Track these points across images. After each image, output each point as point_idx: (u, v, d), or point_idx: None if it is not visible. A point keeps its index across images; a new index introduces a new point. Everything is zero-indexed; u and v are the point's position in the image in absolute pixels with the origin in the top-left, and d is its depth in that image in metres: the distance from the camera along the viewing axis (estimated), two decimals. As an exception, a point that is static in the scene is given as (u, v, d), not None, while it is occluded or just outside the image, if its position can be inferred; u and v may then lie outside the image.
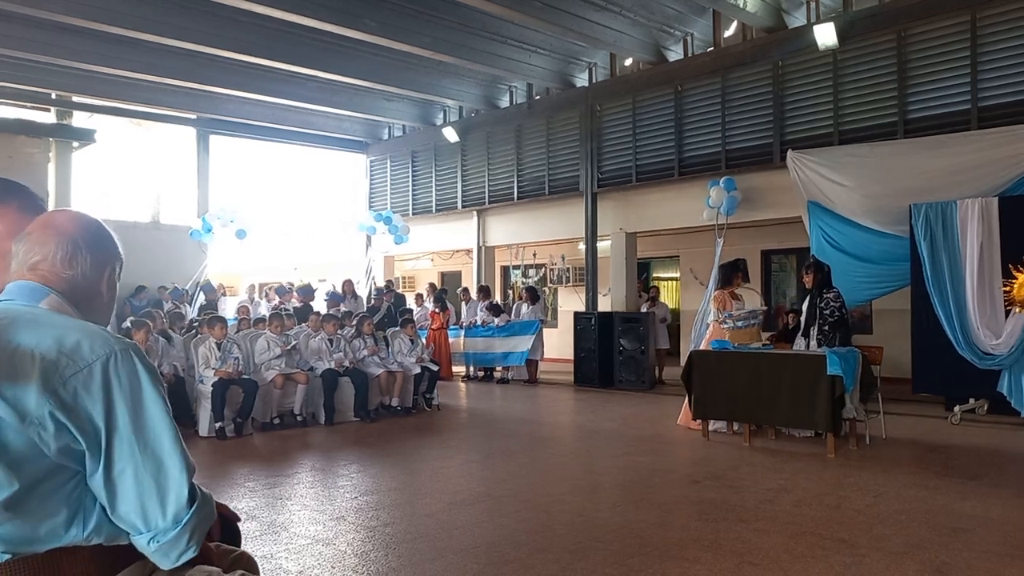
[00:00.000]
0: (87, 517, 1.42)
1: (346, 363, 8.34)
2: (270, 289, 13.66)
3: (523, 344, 12.21)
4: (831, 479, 5.52)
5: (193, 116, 14.76)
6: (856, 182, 9.10)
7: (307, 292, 12.31)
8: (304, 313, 9.98)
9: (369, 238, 15.55)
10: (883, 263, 8.89)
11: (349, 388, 8.30)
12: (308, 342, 8.40)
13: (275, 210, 21.12)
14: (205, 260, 13.41)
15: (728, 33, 11.90)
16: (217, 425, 7.31)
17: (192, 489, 1.48)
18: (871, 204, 8.98)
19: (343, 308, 11.17)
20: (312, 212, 21.23)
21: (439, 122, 15.80)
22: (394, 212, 15.35)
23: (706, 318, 7.99)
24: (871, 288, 9.23)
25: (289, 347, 8.11)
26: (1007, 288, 7.63)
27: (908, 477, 5.56)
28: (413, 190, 16.28)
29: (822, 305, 7.03)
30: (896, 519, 4.42)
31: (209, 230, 13.08)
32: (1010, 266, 7.60)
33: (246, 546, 4.00)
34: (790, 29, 10.71)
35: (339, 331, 8.71)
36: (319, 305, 11.87)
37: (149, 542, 1.43)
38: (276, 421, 7.87)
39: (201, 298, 12.62)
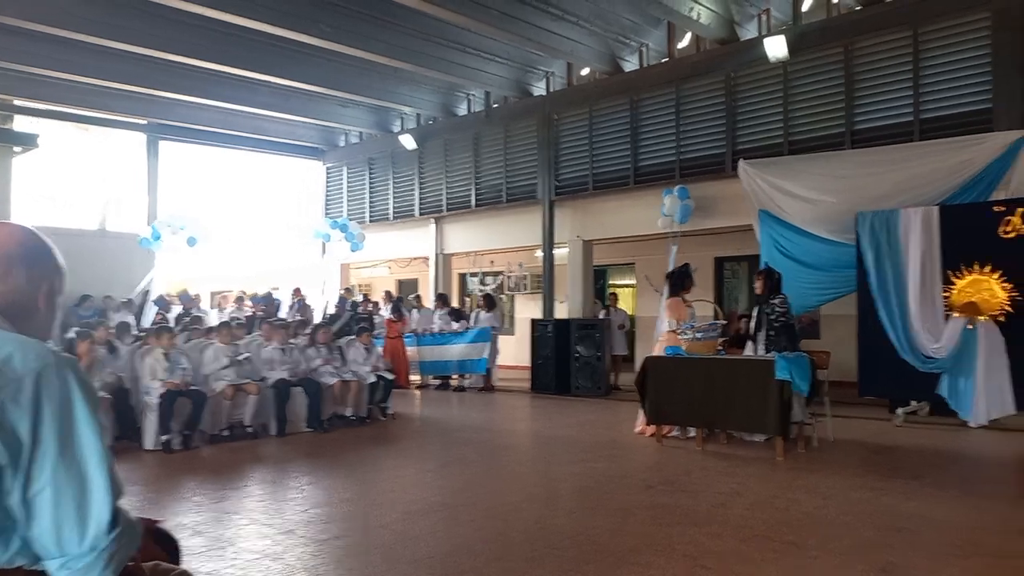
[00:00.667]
0: (9, 538, 1.35)
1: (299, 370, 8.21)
2: (223, 298, 13.38)
3: (479, 352, 12.17)
4: (781, 482, 5.61)
5: (143, 121, 14.43)
6: (805, 191, 9.33)
7: (269, 301, 12.11)
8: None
9: (324, 245, 15.36)
10: (831, 270, 9.11)
11: (302, 398, 8.16)
12: (259, 352, 8.23)
13: (228, 217, 20.70)
14: (153, 268, 13.07)
15: (682, 44, 12.12)
16: (163, 438, 7.10)
17: (115, 514, 1.40)
18: (819, 213, 9.21)
19: (295, 316, 11.00)
20: (267, 219, 20.88)
21: (396, 129, 15.72)
22: (350, 219, 15.20)
23: (660, 325, 8.05)
24: (820, 294, 9.45)
25: (242, 357, 7.94)
26: (947, 294, 7.94)
27: (855, 479, 5.69)
28: (370, 197, 16.16)
29: (768, 311, 7.18)
30: (843, 520, 4.51)
31: (158, 238, 12.77)
32: (949, 272, 7.93)
33: (190, 563, 3.87)
34: (742, 41, 10.95)
35: (292, 340, 8.57)
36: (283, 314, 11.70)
37: (60, 568, 1.35)
38: (225, 433, 7.68)
39: (178, 308, 12.29)
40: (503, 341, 13.24)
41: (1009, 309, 7.53)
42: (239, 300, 13.01)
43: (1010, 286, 7.55)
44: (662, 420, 7.22)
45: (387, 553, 4.02)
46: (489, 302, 12.82)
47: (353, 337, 9.50)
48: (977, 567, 3.66)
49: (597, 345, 11.52)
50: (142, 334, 8.70)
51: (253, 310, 11.65)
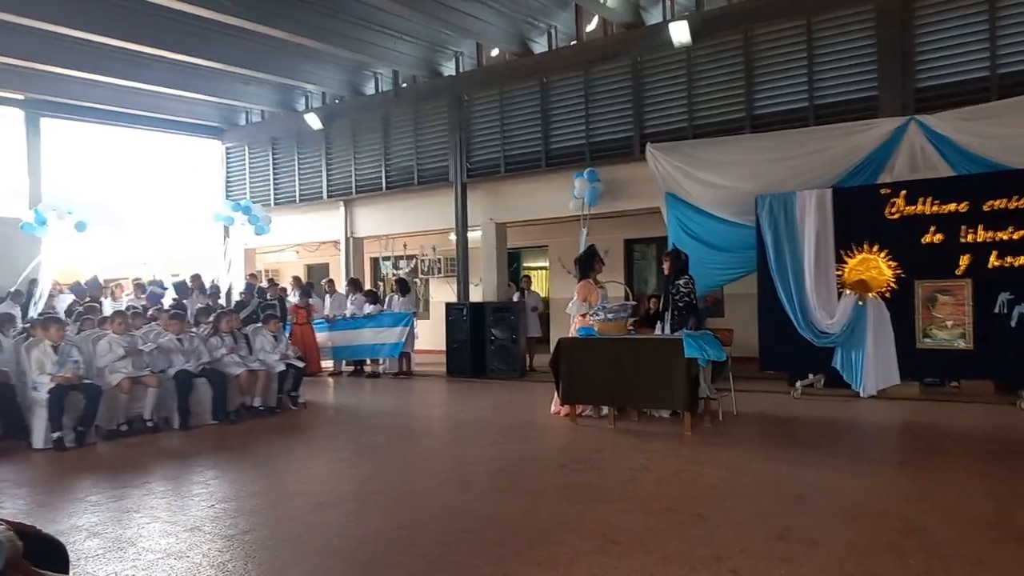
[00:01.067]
0: None
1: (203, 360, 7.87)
2: (116, 286, 12.63)
3: (395, 336, 12.02)
4: (688, 456, 5.81)
5: (20, 96, 13.37)
6: (708, 175, 9.62)
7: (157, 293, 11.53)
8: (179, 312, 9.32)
9: (227, 229, 14.74)
10: (734, 251, 9.45)
11: (206, 389, 7.83)
12: (158, 342, 7.83)
13: (122, 200, 19.53)
14: (39, 255, 12.20)
15: (590, 28, 12.22)
16: (55, 435, 6.67)
17: None
18: (722, 195, 9.52)
19: (196, 304, 10.53)
20: (164, 202, 19.83)
21: (301, 108, 15.21)
22: (254, 202, 14.64)
23: (569, 308, 8.15)
24: (724, 274, 9.80)
25: (146, 348, 7.53)
26: (839, 272, 8.38)
27: (756, 450, 5.96)
28: (274, 179, 15.60)
29: (673, 292, 7.40)
30: (746, 491, 4.72)
31: (43, 222, 11.91)
32: (841, 252, 8.38)
33: (86, 567, 3.66)
34: (647, 26, 11.13)
35: (193, 328, 8.19)
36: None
37: None
38: (124, 428, 7.29)
39: (68, 298, 11.46)
40: (419, 325, 13.12)
41: (894, 286, 8.04)
42: (138, 287, 12.33)
43: (895, 264, 8.05)
44: (576, 400, 7.34)
45: (297, 545, 3.92)
46: (403, 286, 12.66)
47: (260, 325, 9.18)
48: (865, 529, 3.90)
49: (512, 328, 11.59)
50: (27, 325, 8.12)
51: (145, 303, 11.03)
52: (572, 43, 12.08)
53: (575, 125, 11.69)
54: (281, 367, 8.60)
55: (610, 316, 7.34)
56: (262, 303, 11.80)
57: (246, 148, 16.13)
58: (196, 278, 12.53)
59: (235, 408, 8.12)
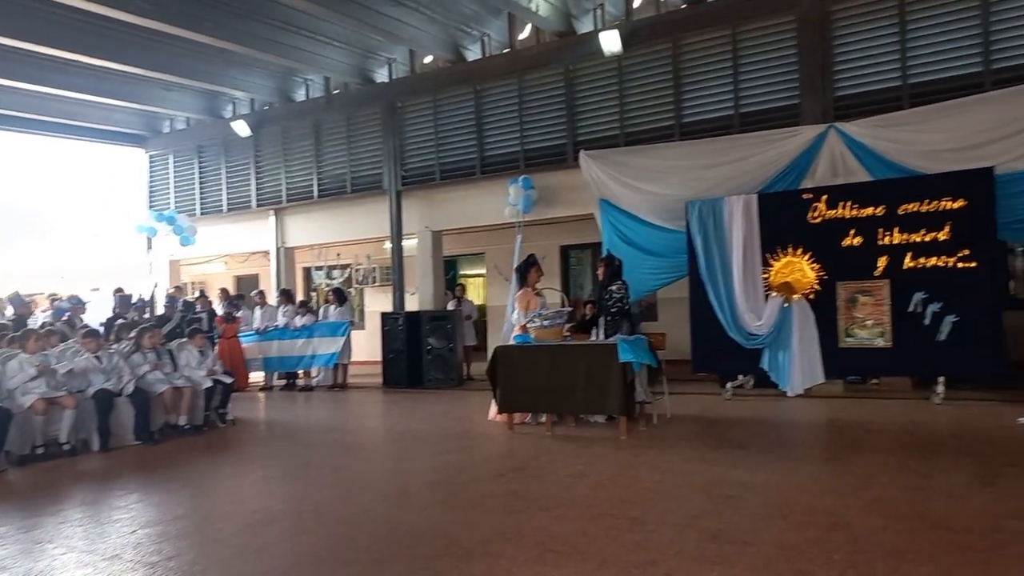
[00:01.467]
0: None
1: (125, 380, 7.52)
2: (32, 302, 11.98)
3: (332, 346, 11.79)
4: (624, 460, 5.87)
5: (-79, 102, 12.60)
6: (640, 181, 9.79)
7: (77, 304, 10.98)
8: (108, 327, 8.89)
9: (150, 240, 14.19)
10: (667, 256, 9.63)
11: (128, 409, 7.49)
12: (74, 361, 7.45)
13: (36, 211, 18.62)
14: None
15: (523, 36, 12.30)
16: (-40, 463, 6.26)
17: None
18: (653, 201, 9.69)
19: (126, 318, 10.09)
20: (83, 213, 19.00)
21: (228, 115, 14.80)
22: (179, 212, 14.15)
23: (512, 317, 8.16)
24: (657, 279, 9.97)
25: (62, 369, 7.14)
26: (766, 275, 8.64)
27: (690, 452, 6.06)
28: (201, 188, 15.13)
29: (606, 297, 7.48)
30: (679, 492, 4.78)
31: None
32: (767, 255, 8.63)
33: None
34: (579, 35, 11.28)
35: (114, 346, 7.83)
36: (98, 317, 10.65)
37: None
38: (39, 451, 6.90)
39: (8, 311, 10.76)
40: (354, 336, 12.89)
41: (818, 287, 8.33)
42: (53, 301, 11.73)
43: (818, 267, 8.34)
44: (513, 408, 7.33)
45: (225, 570, 3.77)
46: (339, 296, 12.43)
47: (185, 340, 8.85)
48: (793, 526, 4.00)
49: (449, 336, 11.52)
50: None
51: (52, 318, 10.49)
52: (505, 51, 12.13)
53: (509, 132, 11.73)
54: (208, 383, 8.30)
55: (546, 323, 7.37)
56: (186, 316, 11.39)
57: (170, 156, 15.59)
58: (119, 291, 12.01)
59: (159, 427, 7.79)
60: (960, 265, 7.65)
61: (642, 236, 9.85)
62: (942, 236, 7.73)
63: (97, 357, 7.56)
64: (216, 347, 11.35)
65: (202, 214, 14.96)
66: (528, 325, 7.51)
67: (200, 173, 15.15)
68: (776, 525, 4.04)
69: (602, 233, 10.22)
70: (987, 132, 7.92)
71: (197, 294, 13.40)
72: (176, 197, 15.40)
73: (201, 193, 15.11)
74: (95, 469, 6.66)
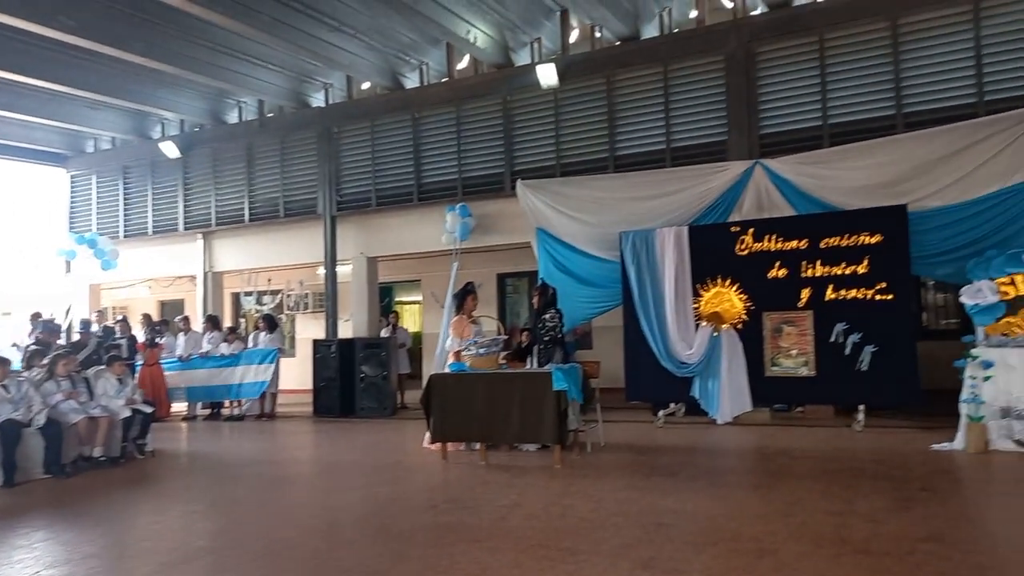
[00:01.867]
0: None
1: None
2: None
3: (260, 374, 11.43)
4: (558, 489, 5.85)
5: None
6: (575, 211, 9.95)
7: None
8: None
9: (68, 264, 13.55)
10: (601, 285, 9.78)
11: (37, 440, 7.06)
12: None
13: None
14: None
15: (461, 66, 12.40)
16: None
17: None
18: (589, 232, 9.86)
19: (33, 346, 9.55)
20: (2, 235, 17.99)
21: (157, 136, 14.37)
22: (100, 234, 13.59)
23: (447, 344, 8.11)
24: (592, 307, 10.10)
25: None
26: (696, 305, 8.84)
27: (622, 480, 6.10)
28: (125, 210, 14.58)
29: (540, 325, 7.52)
30: (612, 521, 4.79)
31: None
32: (698, 286, 8.86)
33: None
34: (517, 67, 11.44)
35: (24, 373, 7.40)
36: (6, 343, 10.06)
37: None
38: (-65, 488, 6.43)
39: None
40: (284, 364, 12.55)
41: (745, 318, 8.57)
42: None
43: (745, 297, 8.60)
44: (447, 437, 7.23)
45: (137, 613, 3.56)
46: (270, 323, 12.09)
47: (103, 367, 8.44)
48: (722, 553, 4.05)
49: (383, 364, 11.35)
50: None
51: None
52: (444, 80, 12.20)
53: (447, 160, 11.75)
54: (126, 413, 7.92)
55: (481, 351, 7.34)
56: (104, 343, 10.88)
57: (94, 177, 15.01)
58: (36, 317, 11.41)
59: (72, 460, 7.37)
60: (878, 297, 8.00)
61: (578, 265, 9.98)
62: (861, 269, 8.09)
63: (3, 386, 7.12)
64: (137, 375, 10.89)
65: (126, 236, 14.41)
66: (463, 353, 7.47)
67: (125, 194, 14.60)
68: (706, 553, 4.08)
69: (538, 262, 10.30)
70: (899, 171, 8.38)
71: (119, 319, 12.85)
72: (99, 219, 14.79)
73: (125, 215, 14.56)
74: (-2, 506, 6.24)
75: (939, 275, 9.02)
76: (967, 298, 7.32)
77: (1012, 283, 7.10)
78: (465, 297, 8.02)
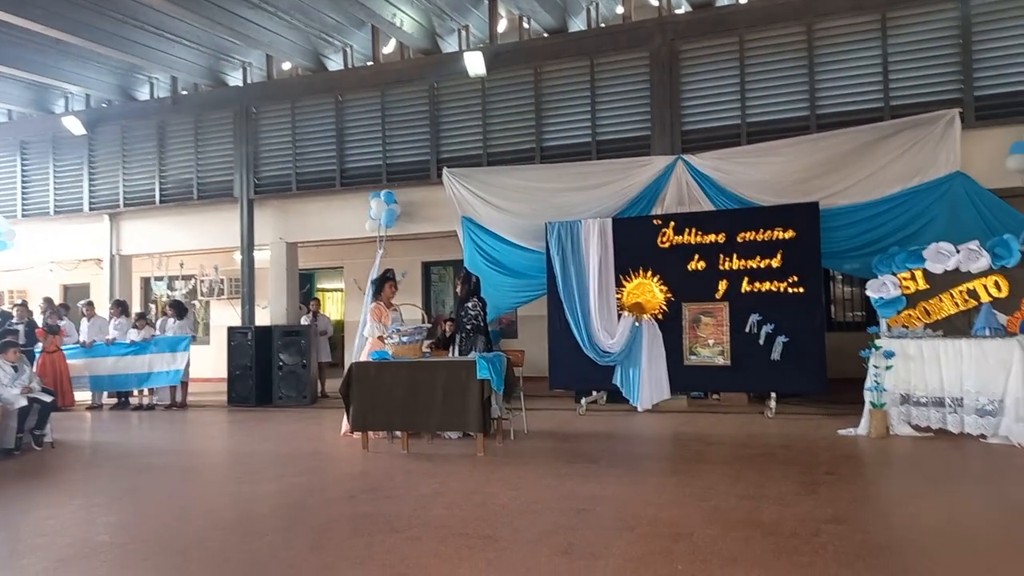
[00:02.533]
0: None
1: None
2: None
3: (173, 362, 10.94)
4: (480, 477, 5.83)
5: None
6: (502, 201, 9.95)
7: None
8: None
9: (-41, 244, 12.61)
10: (526, 275, 9.81)
11: (-81, 432, 6.55)
12: None
13: None
14: None
15: (387, 50, 12.16)
16: None
17: None
18: (514, 222, 9.87)
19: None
20: None
21: (59, 110, 13.52)
22: (-5, 214, 12.71)
23: (364, 331, 7.96)
24: (517, 297, 10.13)
25: None
26: (619, 295, 8.98)
27: (544, 467, 6.13)
28: (23, 187, 13.67)
29: (463, 314, 7.49)
30: (533, 508, 4.81)
31: None
32: (621, 277, 8.99)
33: None
34: (444, 54, 11.31)
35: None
36: None
37: None
38: None
39: None
40: (198, 352, 12.07)
41: (666, 308, 8.76)
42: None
43: (666, 288, 8.79)
44: (368, 426, 7.10)
45: (28, 614, 3.34)
46: (179, 309, 11.59)
47: (-4, 354, 7.88)
48: (640, 538, 4.12)
49: (302, 352, 11.06)
50: None
51: None
52: (369, 64, 11.93)
53: (372, 145, 11.51)
54: (22, 402, 7.44)
55: (404, 339, 7.24)
56: (2, 329, 10.18)
57: (-13, 150, 14.00)
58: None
59: (-41, 453, 6.88)
60: (790, 290, 8.32)
61: (503, 255, 9.98)
62: (775, 263, 8.39)
63: None
64: (36, 362, 10.26)
65: (24, 216, 13.52)
66: (386, 341, 7.35)
67: (23, 171, 13.69)
68: (624, 537, 4.14)
69: (464, 251, 10.24)
70: (811, 169, 8.76)
71: (17, 303, 12.05)
72: (-8, 196, 13.83)
73: (23, 193, 13.65)
74: None
75: (847, 269, 9.48)
76: (872, 292, 7.71)
77: (912, 278, 7.51)
78: (384, 284, 7.90)
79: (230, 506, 5.40)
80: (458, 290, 7.88)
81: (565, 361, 9.08)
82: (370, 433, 7.21)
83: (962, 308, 7.26)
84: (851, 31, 9.32)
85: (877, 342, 7.24)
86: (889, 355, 7.07)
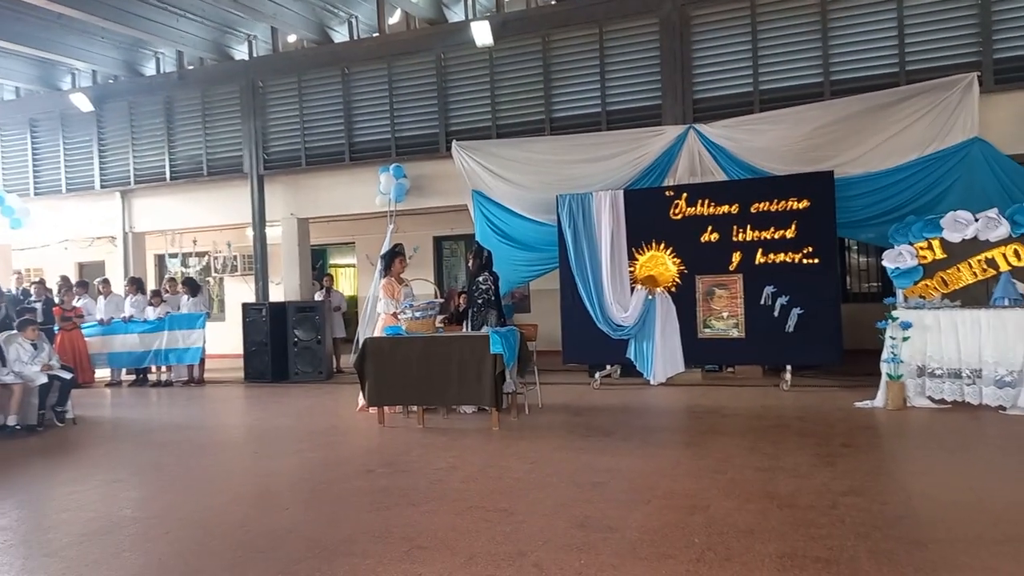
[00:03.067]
0: None
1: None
2: None
3: (190, 339, 11.03)
4: (495, 451, 5.87)
5: None
6: (512, 174, 9.87)
7: None
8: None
9: (-27, 223, 12.69)
10: (538, 248, 9.76)
11: (-58, 410, 6.65)
12: None
13: None
14: None
15: (393, 20, 12.01)
16: None
17: None
18: (525, 194, 9.80)
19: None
20: None
21: (66, 87, 13.48)
22: (8, 191, 12.74)
23: (378, 307, 7.97)
24: (529, 271, 10.09)
25: None
26: (631, 268, 8.94)
27: (559, 441, 6.16)
28: (35, 165, 13.69)
29: (473, 289, 7.47)
30: (548, 481, 4.83)
31: None
32: (633, 249, 8.94)
33: None
34: (450, 23, 11.15)
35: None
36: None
37: None
38: None
39: None
40: (213, 328, 12.13)
41: (679, 281, 8.71)
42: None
43: (679, 261, 8.73)
44: (383, 402, 7.14)
45: (54, 589, 3.40)
46: (192, 286, 11.64)
47: (15, 332, 7.97)
48: (655, 510, 4.14)
49: (317, 328, 11.11)
50: None
51: None
52: (375, 35, 11.79)
53: (380, 119, 11.42)
54: (42, 379, 7.53)
55: (418, 314, 7.24)
56: (19, 306, 10.27)
57: (-4, 129, 14.01)
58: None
59: (-17, 430, 6.99)
60: (805, 261, 8.24)
61: (514, 228, 9.93)
62: (789, 234, 8.30)
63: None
64: (56, 340, 10.37)
65: (36, 195, 13.56)
66: (400, 316, 7.36)
67: (33, 149, 13.70)
68: (640, 510, 4.16)
69: (475, 224, 10.19)
70: (824, 137, 8.61)
71: (35, 281, 12.15)
72: (4, 175, 13.86)
73: (35, 171, 13.68)
74: (-102, 481, 5.85)
75: (863, 239, 9.37)
76: (888, 261, 7.62)
77: (929, 247, 7.42)
78: (393, 259, 7.89)
79: (249, 480, 5.47)
80: (470, 264, 7.85)
81: (578, 335, 9.07)
82: (386, 408, 7.25)
83: (980, 278, 7.18)
84: (866, -6, 9.10)
85: (893, 313, 7.17)
86: (906, 326, 7.00)
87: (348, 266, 17.54)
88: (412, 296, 7.80)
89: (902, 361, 6.98)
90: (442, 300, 8.58)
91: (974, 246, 7.21)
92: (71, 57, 12.18)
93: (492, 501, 4.43)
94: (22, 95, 13.92)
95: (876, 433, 6.18)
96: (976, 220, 7.18)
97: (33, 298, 11.02)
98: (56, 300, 11.23)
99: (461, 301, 9.48)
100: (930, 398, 6.95)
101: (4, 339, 7.78)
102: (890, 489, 4.45)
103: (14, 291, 11.30)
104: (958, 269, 7.28)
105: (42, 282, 11.79)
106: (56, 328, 10.72)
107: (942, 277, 7.36)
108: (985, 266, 7.16)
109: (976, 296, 7.11)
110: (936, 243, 7.39)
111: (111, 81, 13.26)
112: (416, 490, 4.75)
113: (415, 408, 7.21)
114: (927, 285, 7.42)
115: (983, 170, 7.98)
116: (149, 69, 13.09)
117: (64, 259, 15.60)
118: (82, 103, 12.78)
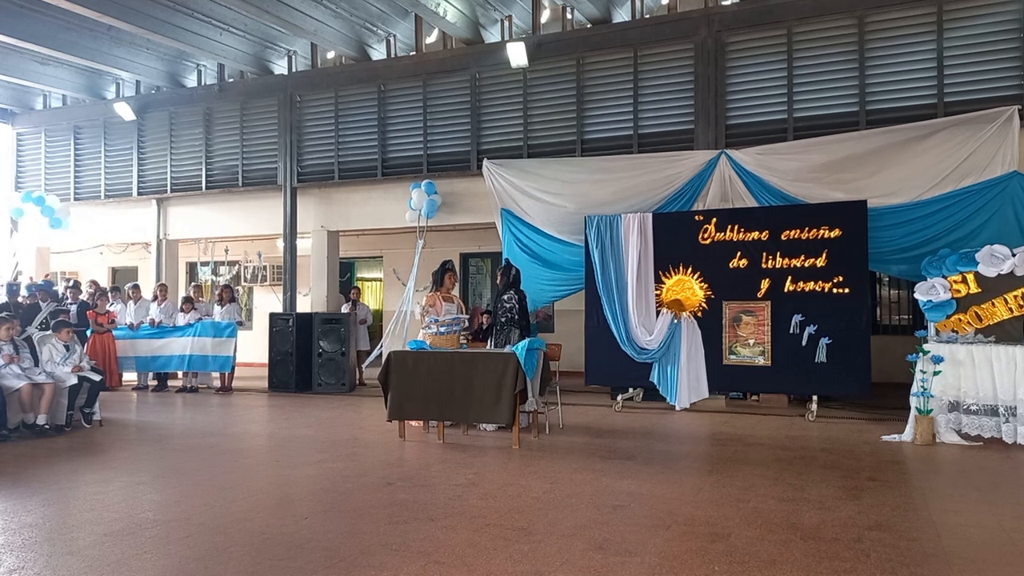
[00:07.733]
0: None
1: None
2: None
3: (220, 347, 11.16)
4: (514, 470, 5.84)
5: None
6: (541, 193, 9.91)
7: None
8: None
9: (15, 223, 13.03)
10: (565, 269, 9.77)
11: (-24, 406, 6.80)
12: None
13: None
14: None
15: (430, 40, 12.19)
16: None
17: None
18: (553, 214, 9.83)
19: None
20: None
21: (111, 96, 13.86)
22: (50, 194, 13.07)
23: (417, 316, 8.03)
24: (554, 290, 10.10)
25: None
26: (658, 292, 8.90)
27: (579, 462, 6.11)
28: (76, 171, 14.05)
29: (498, 306, 7.49)
30: (568, 503, 4.79)
31: None
32: (660, 273, 8.90)
33: None
34: (486, 44, 11.29)
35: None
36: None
37: None
38: None
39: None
40: (241, 336, 12.27)
41: (705, 306, 8.65)
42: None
43: (706, 286, 8.67)
44: (404, 416, 7.16)
45: (76, 586, 3.44)
46: (228, 294, 11.80)
47: (49, 332, 8.14)
48: (676, 536, 4.08)
49: (342, 340, 11.20)
50: None
51: None
52: (411, 53, 11.98)
53: (413, 135, 11.57)
54: (73, 380, 7.67)
55: (442, 330, 7.28)
56: (56, 307, 10.50)
57: (43, 135, 14.42)
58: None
59: (15, 427, 7.12)
60: (835, 291, 8.14)
61: (541, 247, 9.96)
62: (820, 263, 8.21)
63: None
64: (87, 343, 10.57)
65: (76, 199, 13.91)
66: (424, 331, 7.40)
67: (76, 155, 14.08)
68: (660, 535, 4.10)
69: (503, 242, 10.24)
70: (858, 167, 8.54)
71: (69, 284, 12.43)
72: (47, 179, 14.24)
73: (76, 176, 14.04)
74: (-69, 473, 5.98)
75: (894, 272, 9.22)
76: (921, 294, 7.50)
77: (963, 281, 7.29)
78: (444, 275, 7.94)
79: (270, 488, 5.50)
80: (498, 282, 7.88)
81: (602, 357, 9.03)
82: (407, 422, 7.27)
83: (1016, 314, 7.04)
84: (905, 23, 9.05)
85: (924, 346, 7.05)
86: (937, 360, 6.87)
87: (375, 280, 17.68)
88: (462, 311, 7.83)
89: (932, 395, 6.84)
90: (466, 316, 8.62)
91: (1011, 281, 7.07)
92: (117, 67, 12.54)
93: (511, 519, 4.41)
94: (68, 103, 14.33)
95: (904, 468, 6.05)
96: (1014, 255, 7.05)
97: (68, 301, 11.27)
98: (90, 304, 11.46)
99: (484, 320, 9.51)
100: (962, 434, 6.79)
101: (39, 339, 7.96)
102: (918, 525, 4.34)
103: (60, 291, 11.55)
104: (993, 304, 7.14)
105: (76, 285, 12.06)
106: (90, 331, 10.92)
107: (976, 312, 7.23)
108: (1022, 302, 7.01)
109: (1011, 332, 6.96)
110: (971, 277, 7.26)
111: (153, 91, 13.61)
112: (435, 505, 4.74)
113: (435, 423, 7.21)
114: (960, 319, 7.28)
115: (1022, 205, 7.85)
116: (191, 81, 13.42)
117: (98, 263, 15.95)
118: (125, 112, 13.13)
